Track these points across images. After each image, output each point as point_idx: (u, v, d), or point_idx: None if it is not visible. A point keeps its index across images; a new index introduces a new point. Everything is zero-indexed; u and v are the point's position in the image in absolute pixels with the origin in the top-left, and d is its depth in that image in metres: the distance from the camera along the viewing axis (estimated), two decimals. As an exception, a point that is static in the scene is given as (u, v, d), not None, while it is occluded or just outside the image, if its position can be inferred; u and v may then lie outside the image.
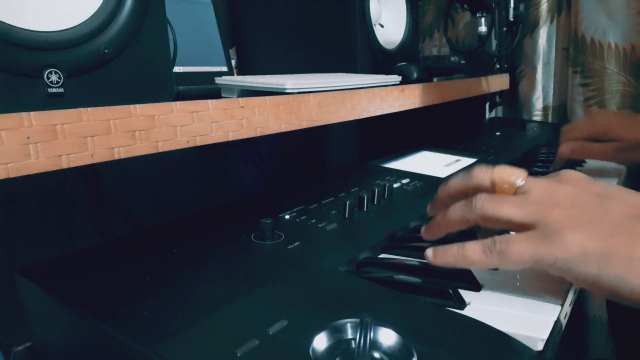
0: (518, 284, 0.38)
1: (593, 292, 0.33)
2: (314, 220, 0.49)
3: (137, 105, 0.36)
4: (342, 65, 0.77)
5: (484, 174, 0.38)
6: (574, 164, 0.78)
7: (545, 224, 0.33)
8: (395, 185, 0.62)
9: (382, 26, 0.84)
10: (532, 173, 0.38)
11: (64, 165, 0.32)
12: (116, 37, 0.39)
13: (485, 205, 0.36)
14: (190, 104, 0.40)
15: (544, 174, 0.70)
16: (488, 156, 0.82)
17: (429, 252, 0.37)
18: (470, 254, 0.35)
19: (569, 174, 0.37)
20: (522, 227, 0.34)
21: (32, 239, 0.52)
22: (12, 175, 0.30)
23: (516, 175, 0.37)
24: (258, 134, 0.47)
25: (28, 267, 0.39)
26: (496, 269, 0.40)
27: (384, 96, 0.65)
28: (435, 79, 0.85)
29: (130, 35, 0.40)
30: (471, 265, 0.36)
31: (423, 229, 0.41)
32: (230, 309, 0.32)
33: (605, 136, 0.68)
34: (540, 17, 1.19)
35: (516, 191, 0.37)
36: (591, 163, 0.80)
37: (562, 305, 0.34)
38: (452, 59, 1.09)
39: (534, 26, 1.20)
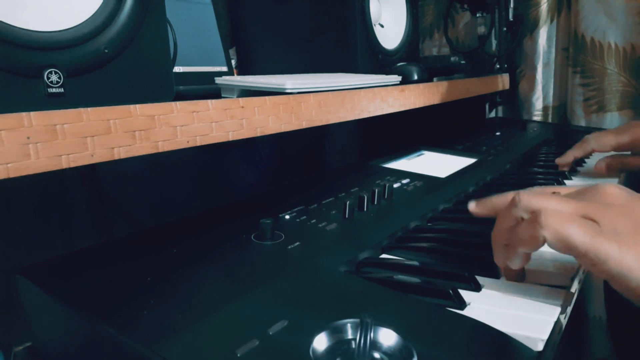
0: (518, 284, 0.38)
1: (634, 301, 0.32)
2: (314, 220, 0.49)
3: (137, 105, 0.36)
4: (342, 65, 0.77)
5: (519, 195, 0.36)
6: (575, 161, 0.77)
7: (600, 219, 0.32)
8: (395, 185, 0.62)
9: (382, 26, 0.84)
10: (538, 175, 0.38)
11: (64, 165, 0.32)
12: (116, 37, 0.39)
13: (531, 200, 0.35)
14: (190, 104, 0.40)
15: (547, 179, 0.70)
16: (488, 156, 0.82)
17: (472, 203, 0.40)
18: (521, 235, 0.34)
19: (611, 184, 0.35)
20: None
21: (32, 239, 0.52)
22: (12, 175, 0.30)
23: (547, 192, 0.36)
24: (258, 134, 0.47)
25: (28, 267, 0.39)
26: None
27: (384, 96, 0.65)
28: (435, 79, 0.85)
29: (130, 35, 0.40)
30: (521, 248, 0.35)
31: (473, 203, 0.41)
32: (230, 309, 0.32)
33: (634, 148, 0.68)
34: (540, 17, 1.19)
35: None
36: (590, 162, 0.80)
37: (562, 306, 0.34)
38: (452, 59, 1.09)
39: (534, 26, 1.20)
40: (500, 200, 0.40)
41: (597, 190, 0.35)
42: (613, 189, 0.35)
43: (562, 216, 0.32)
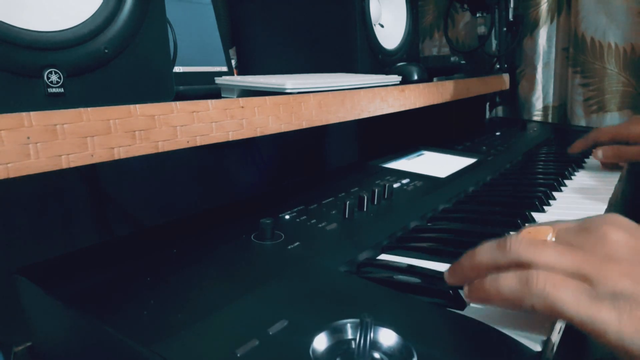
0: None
1: None
2: (314, 220, 0.49)
3: (137, 105, 0.36)
4: (342, 65, 0.77)
5: (511, 240, 0.32)
6: (574, 161, 0.78)
7: (598, 280, 0.28)
8: (395, 185, 0.62)
9: (382, 26, 0.84)
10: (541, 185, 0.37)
11: (64, 165, 0.32)
12: (116, 37, 0.39)
13: (521, 249, 0.30)
14: (190, 104, 0.40)
15: (547, 179, 0.70)
16: (488, 156, 0.82)
17: (446, 273, 0.34)
18: (503, 289, 0.29)
19: (616, 218, 0.31)
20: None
21: (32, 239, 0.52)
22: (12, 175, 0.30)
23: (544, 232, 0.32)
24: (258, 134, 0.47)
25: (28, 267, 0.39)
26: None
27: (384, 96, 0.65)
28: (435, 79, 0.85)
29: (130, 35, 0.40)
30: (501, 303, 0.30)
31: (446, 273, 0.35)
32: (230, 309, 0.32)
33: (630, 138, 0.71)
34: (540, 17, 1.19)
35: None
36: (591, 162, 0.80)
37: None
38: (452, 59, 1.09)
39: (534, 26, 1.20)
40: (471, 261, 0.33)
41: (599, 236, 0.30)
42: (618, 234, 0.30)
43: (554, 280, 0.28)
